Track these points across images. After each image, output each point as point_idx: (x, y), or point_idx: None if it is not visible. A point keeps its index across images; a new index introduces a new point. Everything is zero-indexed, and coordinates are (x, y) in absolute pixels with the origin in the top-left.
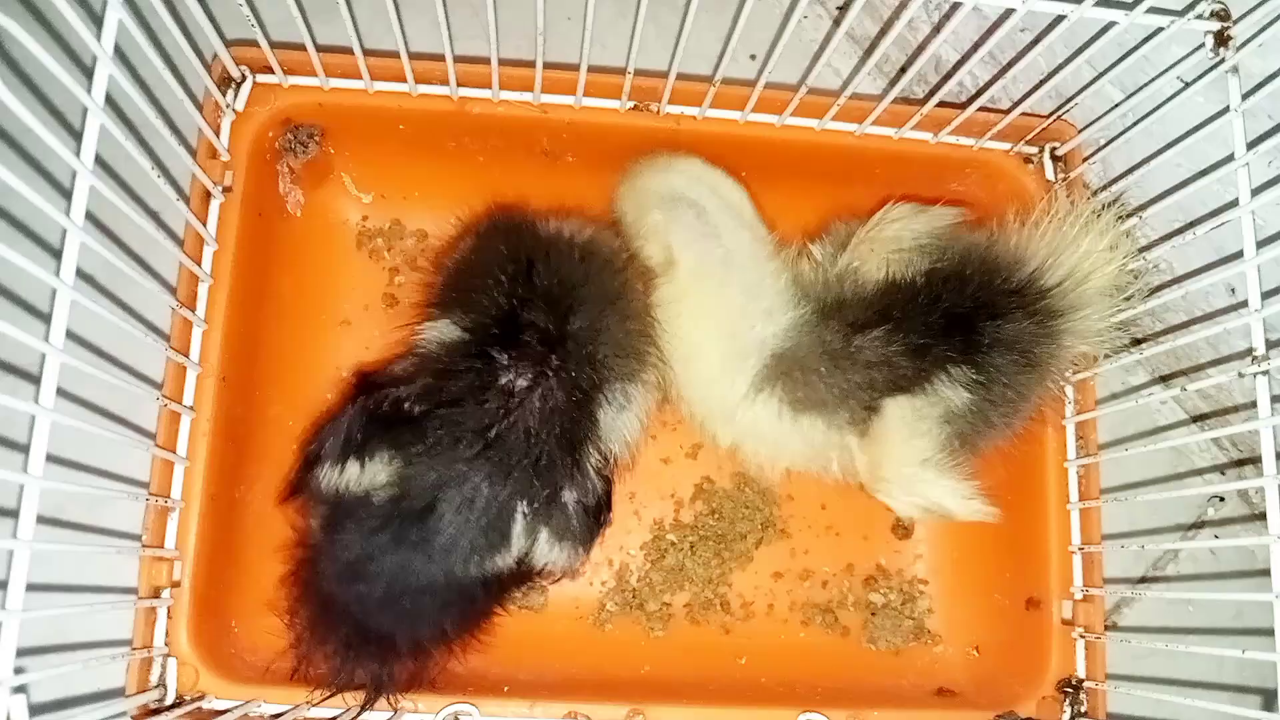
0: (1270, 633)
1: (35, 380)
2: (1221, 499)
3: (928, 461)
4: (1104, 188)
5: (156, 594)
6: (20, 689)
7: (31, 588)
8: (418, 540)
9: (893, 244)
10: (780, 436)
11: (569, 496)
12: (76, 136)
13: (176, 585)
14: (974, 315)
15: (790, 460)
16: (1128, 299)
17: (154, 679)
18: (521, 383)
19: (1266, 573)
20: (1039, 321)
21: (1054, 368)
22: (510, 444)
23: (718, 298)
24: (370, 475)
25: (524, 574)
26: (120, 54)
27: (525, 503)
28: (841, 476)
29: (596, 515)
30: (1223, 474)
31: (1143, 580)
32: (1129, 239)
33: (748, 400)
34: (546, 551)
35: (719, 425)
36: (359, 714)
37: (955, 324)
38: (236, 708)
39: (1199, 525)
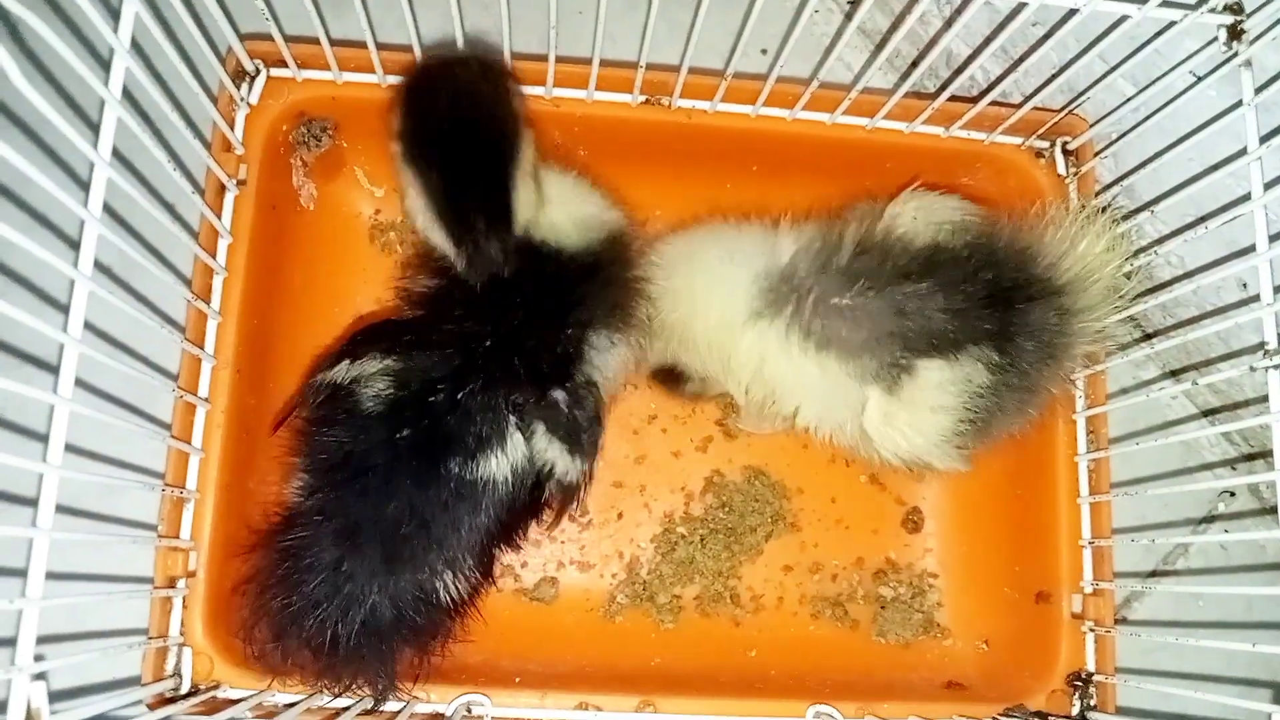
0: None
1: (54, 370)
2: (1232, 493)
3: (948, 432)
4: (1115, 182)
5: (172, 584)
6: (40, 676)
7: (49, 576)
8: (411, 444)
9: (935, 209)
10: (796, 368)
11: (559, 395)
12: (94, 129)
13: (192, 575)
14: (1012, 293)
15: (810, 398)
16: (1122, 298)
17: (169, 668)
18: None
19: (1277, 567)
20: (1059, 313)
21: (1066, 364)
22: (501, 352)
23: (702, 254)
24: (359, 368)
25: (533, 493)
26: (137, 47)
27: (517, 397)
28: (852, 442)
29: (589, 427)
30: (1233, 469)
31: (1153, 574)
32: (1125, 241)
33: (750, 324)
34: (544, 448)
35: (729, 355)
36: (374, 705)
37: (995, 298)
38: (250, 697)
39: (1209, 519)
